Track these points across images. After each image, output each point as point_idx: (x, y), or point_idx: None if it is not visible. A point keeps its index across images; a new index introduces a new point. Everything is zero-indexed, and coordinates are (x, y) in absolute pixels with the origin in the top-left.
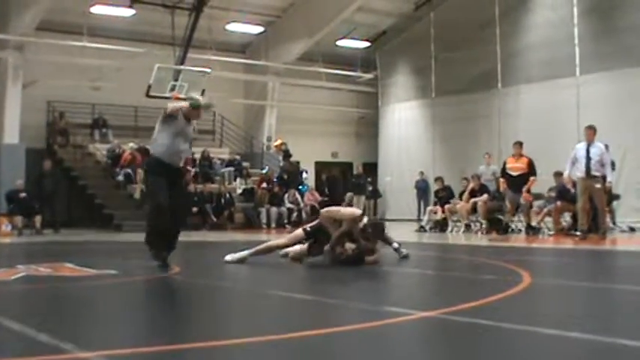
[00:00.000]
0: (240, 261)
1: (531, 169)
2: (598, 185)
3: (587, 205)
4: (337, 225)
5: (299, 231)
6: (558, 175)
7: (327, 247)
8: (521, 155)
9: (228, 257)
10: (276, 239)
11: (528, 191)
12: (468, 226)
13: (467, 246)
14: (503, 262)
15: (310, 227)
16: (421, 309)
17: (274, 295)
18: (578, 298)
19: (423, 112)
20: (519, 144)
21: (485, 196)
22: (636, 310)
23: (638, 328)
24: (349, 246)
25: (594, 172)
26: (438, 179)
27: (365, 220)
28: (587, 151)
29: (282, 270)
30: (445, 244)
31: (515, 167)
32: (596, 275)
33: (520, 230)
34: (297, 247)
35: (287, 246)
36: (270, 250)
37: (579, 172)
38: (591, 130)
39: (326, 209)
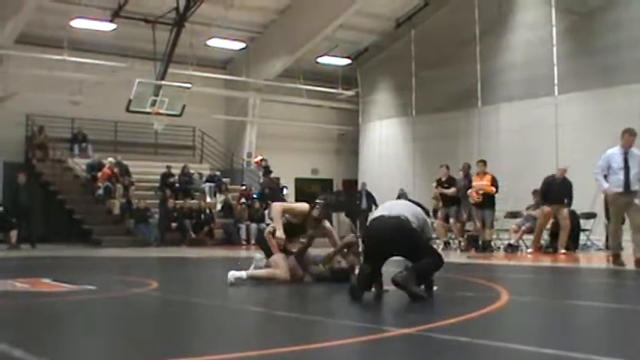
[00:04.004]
0: (239, 280)
1: (495, 186)
2: (637, 201)
3: (619, 226)
4: (302, 218)
5: (280, 256)
6: (536, 193)
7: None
8: (485, 173)
9: (231, 276)
10: (275, 270)
11: (477, 192)
12: (447, 244)
13: (445, 263)
14: (481, 280)
15: (278, 232)
16: (400, 326)
17: (252, 311)
18: (554, 315)
19: (404, 129)
20: (483, 162)
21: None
22: (611, 327)
23: (612, 344)
24: (351, 260)
25: (635, 187)
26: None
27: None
28: (626, 160)
29: (261, 287)
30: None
31: (480, 185)
32: (573, 293)
33: (499, 248)
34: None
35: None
36: (270, 280)
37: (614, 185)
38: (632, 136)
39: (279, 204)
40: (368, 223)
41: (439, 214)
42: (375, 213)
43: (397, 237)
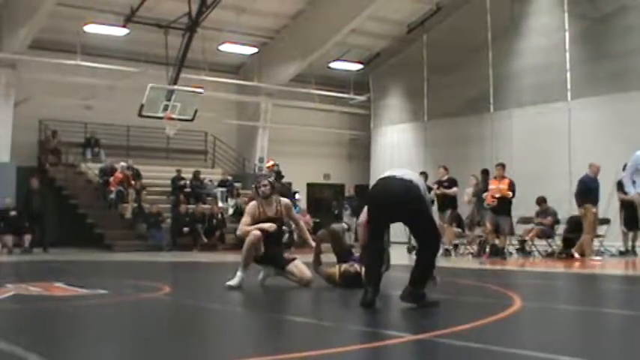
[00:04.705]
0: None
1: (512, 190)
2: None
3: None
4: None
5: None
6: (542, 201)
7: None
8: (503, 177)
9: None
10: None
11: (493, 196)
12: (447, 251)
13: (457, 269)
14: (494, 285)
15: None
16: (412, 332)
17: (265, 316)
18: (568, 321)
19: (416, 134)
20: (502, 165)
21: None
22: (627, 335)
23: (626, 352)
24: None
25: None
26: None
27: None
28: None
29: (273, 291)
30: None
31: (497, 189)
32: (587, 299)
33: (511, 253)
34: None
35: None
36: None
37: None
38: None
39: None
40: (375, 183)
41: (438, 219)
42: (382, 174)
43: (406, 200)
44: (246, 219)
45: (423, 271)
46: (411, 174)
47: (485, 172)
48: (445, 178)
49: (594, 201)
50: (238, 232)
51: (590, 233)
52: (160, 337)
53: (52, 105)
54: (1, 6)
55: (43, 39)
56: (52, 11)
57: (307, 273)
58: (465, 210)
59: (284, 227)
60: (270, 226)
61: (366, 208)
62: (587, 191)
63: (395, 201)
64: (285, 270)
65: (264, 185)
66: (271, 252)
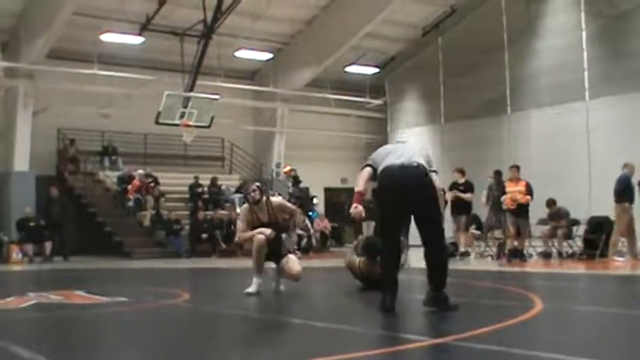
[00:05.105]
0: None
1: (530, 193)
2: None
3: None
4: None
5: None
6: (551, 203)
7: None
8: (518, 179)
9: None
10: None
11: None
12: (465, 254)
13: (477, 271)
14: (514, 288)
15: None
16: (433, 335)
17: (285, 322)
18: (590, 323)
19: (432, 137)
20: (516, 167)
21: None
22: None
23: None
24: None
25: None
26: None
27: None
28: None
29: (292, 297)
30: (455, 270)
31: (515, 192)
32: (608, 300)
33: (531, 255)
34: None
35: None
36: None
37: None
38: None
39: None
40: (384, 171)
41: (453, 223)
42: (387, 160)
43: (421, 185)
44: (241, 225)
45: (441, 272)
46: (413, 151)
47: (497, 174)
48: (462, 181)
49: (632, 200)
50: (237, 240)
51: (623, 233)
52: (180, 343)
53: (70, 114)
54: (18, 17)
55: (60, 49)
56: (69, 21)
57: (295, 267)
58: (484, 212)
59: (301, 232)
60: (270, 233)
61: (364, 172)
62: (628, 189)
63: (409, 189)
64: (279, 265)
65: (253, 191)
66: (271, 249)
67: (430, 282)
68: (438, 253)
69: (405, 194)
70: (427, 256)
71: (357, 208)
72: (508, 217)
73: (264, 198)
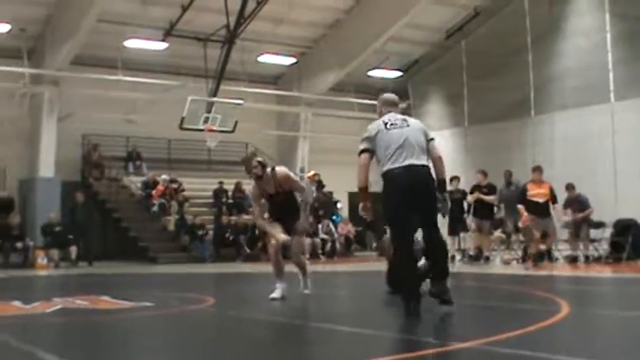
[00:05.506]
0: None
1: (553, 196)
2: None
3: None
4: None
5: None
6: (571, 187)
7: None
8: (542, 181)
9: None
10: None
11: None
12: (487, 258)
13: (503, 275)
14: (540, 291)
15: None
16: (460, 339)
17: (311, 327)
18: (617, 328)
19: (457, 140)
20: (539, 169)
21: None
22: None
23: None
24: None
25: None
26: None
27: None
28: None
29: (318, 301)
30: (480, 274)
31: (540, 194)
32: (635, 304)
33: (557, 259)
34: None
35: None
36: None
37: None
38: None
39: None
40: (394, 172)
41: (472, 224)
42: (391, 157)
43: (431, 184)
44: (255, 208)
45: (443, 264)
46: (419, 147)
47: (508, 174)
48: (485, 183)
49: None
50: (258, 223)
51: None
52: (207, 348)
53: (95, 120)
54: (43, 24)
55: (84, 55)
56: (93, 27)
57: (295, 255)
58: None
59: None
60: (286, 240)
61: (363, 159)
62: None
63: (418, 191)
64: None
65: (255, 167)
66: (281, 216)
67: (434, 274)
68: (441, 248)
69: (414, 196)
70: (429, 252)
71: (365, 207)
72: (531, 221)
73: (269, 169)
